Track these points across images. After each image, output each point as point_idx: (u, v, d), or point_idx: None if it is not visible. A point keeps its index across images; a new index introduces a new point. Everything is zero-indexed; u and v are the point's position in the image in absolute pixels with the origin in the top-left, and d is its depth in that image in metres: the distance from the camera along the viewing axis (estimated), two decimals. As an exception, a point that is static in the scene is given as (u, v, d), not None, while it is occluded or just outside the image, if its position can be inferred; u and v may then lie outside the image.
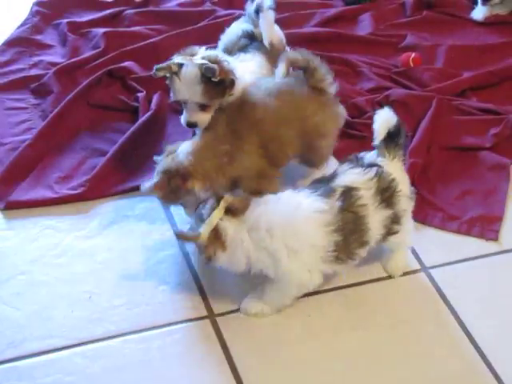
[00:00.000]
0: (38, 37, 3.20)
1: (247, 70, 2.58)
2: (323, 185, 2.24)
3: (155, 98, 2.90)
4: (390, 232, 2.28)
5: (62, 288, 2.36)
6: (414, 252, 2.49)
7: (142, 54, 3.10)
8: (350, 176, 2.24)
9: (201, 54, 2.50)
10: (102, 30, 3.18)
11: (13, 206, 2.57)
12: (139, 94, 2.93)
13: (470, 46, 3.20)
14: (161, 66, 2.47)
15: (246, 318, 2.30)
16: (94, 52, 3.11)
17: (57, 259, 2.45)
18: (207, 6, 3.34)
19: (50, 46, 3.17)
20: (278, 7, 3.17)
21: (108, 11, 3.31)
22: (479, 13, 3.34)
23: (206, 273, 2.42)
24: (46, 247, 2.48)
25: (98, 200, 2.63)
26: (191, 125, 2.52)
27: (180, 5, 3.38)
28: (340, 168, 2.30)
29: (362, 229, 2.21)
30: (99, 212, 2.59)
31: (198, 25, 3.23)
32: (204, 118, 2.50)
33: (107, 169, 2.68)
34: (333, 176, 2.27)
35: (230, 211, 2.18)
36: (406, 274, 2.44)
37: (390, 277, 2.43)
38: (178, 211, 2.59)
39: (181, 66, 2.46)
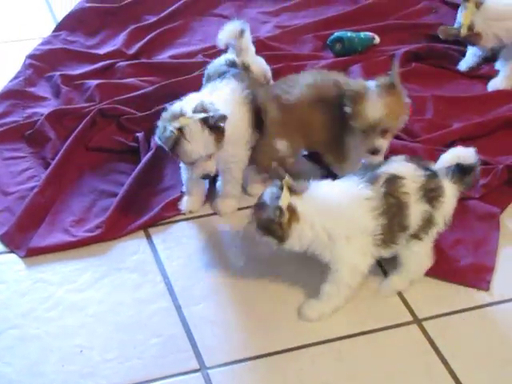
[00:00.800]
0: (32, 89, 3.21)
1: (220, 100, 2.63)
2: (370, 170, 2.41)
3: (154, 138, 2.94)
4: (419, 232, 2.40)
5: (53, 342, 2.35)
6: (406, 303, 2.49)
7: (135, 103, 3.12)
8: (399, 166, 2.40)
9: (188, 110, 2.54)
10: (95, 82, 3.21)
11: (33, 253, 2.60)
12: (138, 135, 2.98)
13: (459, 97, 3.22)
14: (166, 137, 2.52)
15: (238, 371, 2.29)
16: (88, 104, 3.14)
17: (48, 313, 2.44)
18: (199, 58, 3.37)
19: (43, 99, 3.19)
20: (269, 60, 3.22)
21: (100, 64, 3.33)
22: (464, 64, 3.38)
23: (197, 326, 2.41)
24: (37, 300, 2.47)
25: (89, 253, 2.63)
26: (207, 176, 2.60)
27: (172, 57, 3.41)
28: (395, 157, 2.46)
29: (404, 213, 2.35)
30: (91, 265, 2.59)
31: (191, 75, 3.26)
32: (213, 164, 2.58)
33: (119, 210, 2.74)
34: (383, 162, 2.46)
35: (291, 191, 2.33)
36: (398, 325, 2.44)
37: (382, 328, 2.43)
38: (169, 263, 2.59)
39: (181, 129, 2.50)
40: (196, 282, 2.54)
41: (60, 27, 3.52)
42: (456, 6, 3.69)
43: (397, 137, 3.01)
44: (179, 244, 2.67)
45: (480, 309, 2.49)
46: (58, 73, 3.25)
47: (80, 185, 2.86)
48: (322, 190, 2.37)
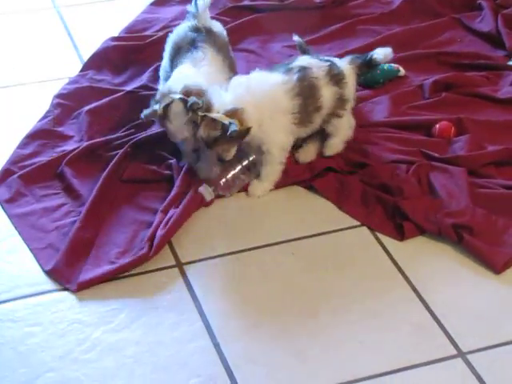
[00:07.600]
0: (60, 129, 3.20)
1: (209, 78, 2.83)
2: (284, 66, 2.89)
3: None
4: (336, 111, 2.91)
5: (92, 385, 2.32)
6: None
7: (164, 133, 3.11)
8: (307, 60, 2.91)
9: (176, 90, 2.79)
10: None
11: (84, 287, 2.59)
12: (171, 161, 2.97)
13: (493, 121, 3.18)
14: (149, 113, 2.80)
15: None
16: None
17: (85, 354, 2.40)
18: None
19: (71, 137, 3.17)
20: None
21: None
22: None
23: (238, 365, 2.37)
24: (73, 342, 2.43)
25: (124, 292, 2.60)
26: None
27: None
28: (299, 57, 2.96)
29: (315, 95, 2.84)
30: (127, 305, 2.55)
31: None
32: None
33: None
34: (293, 60, 2.93)
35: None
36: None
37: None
38: (206, 300, 2.56)
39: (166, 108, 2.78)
40: (234, 318, 2.51)
41: (87, 66, 3.51)
42: (481, 35, 3.69)
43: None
44: (215, 281, 2.64)
45: None
46: (87, 108, 3.24)
47: (119, 217, 2.83)
48: (247, 79, 2.83)
